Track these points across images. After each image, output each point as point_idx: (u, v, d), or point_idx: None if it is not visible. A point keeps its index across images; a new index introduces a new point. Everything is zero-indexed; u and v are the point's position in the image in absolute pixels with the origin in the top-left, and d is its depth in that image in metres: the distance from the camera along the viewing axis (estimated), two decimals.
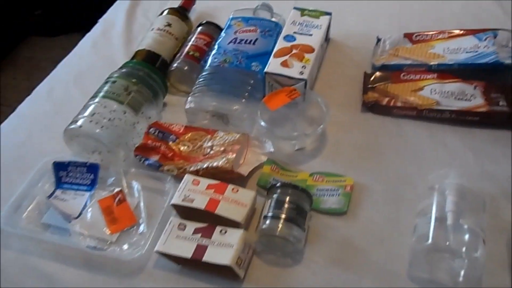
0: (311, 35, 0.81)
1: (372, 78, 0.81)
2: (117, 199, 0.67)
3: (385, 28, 0.91)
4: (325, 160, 0.72)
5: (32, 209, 0.68)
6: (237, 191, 0.64)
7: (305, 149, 0.73)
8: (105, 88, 0.73)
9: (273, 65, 0.76)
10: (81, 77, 0.91)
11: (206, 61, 0.83)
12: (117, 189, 0.68)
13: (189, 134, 0.75)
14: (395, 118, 0.76)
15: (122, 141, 0.70)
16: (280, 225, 0.59)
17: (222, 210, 0.62)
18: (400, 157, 0.71)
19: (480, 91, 0.74)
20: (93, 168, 0.70)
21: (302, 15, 0.85)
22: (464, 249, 0.55)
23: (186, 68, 0.82)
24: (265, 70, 0.76)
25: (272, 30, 0.84)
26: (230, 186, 0.64)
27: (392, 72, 0.81)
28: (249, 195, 0.64)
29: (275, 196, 0.62)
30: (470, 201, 0.60)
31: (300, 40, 0.80)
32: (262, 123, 0.71)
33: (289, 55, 0.78)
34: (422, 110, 0.74)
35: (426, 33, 0.84)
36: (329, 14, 0.85)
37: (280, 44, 0.80)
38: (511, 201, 0.64)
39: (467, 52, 0.78)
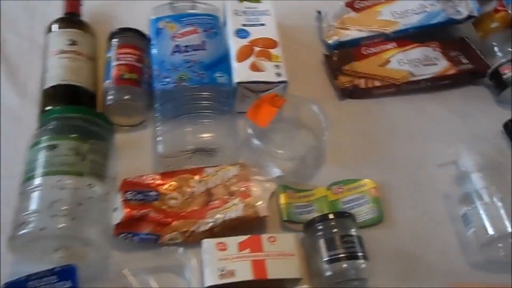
0: (263, 24, 0.69)
1: (335, 60, 0.74)
2: None
3: None
4: (330, 166, 0.65)
5: None
6: (275, 240, 0.53)
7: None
8: (44, 159, 0.52)
9: (242, 72, 0.64)
10: None
11: (149, 83, 0.65)
12: None
13: (172, 183, 0.59)
14: (374, 99, 0.72)
15: (104, 224, 0.52)
16: (345, 265, 0.51)
17: (274, 272, 0.51)
18: (399, 140, 0.68)
19: (440, 52, 0.74)
20: (67, 273, 0.50)
21: (241, 1, 0.72)
22: None
23: (127, 97, 0.63)
24: (237, 80, 0.63)
25: (215, 26, 0.69)
26: (265, 237, 0.53)
27: (352, 48, 0.75)
28: (289, 240, 0.54)
29: (321, 233, 0.53)
30: (491, 171, 0.61)
31: (255, 33, 0.68)
32: (258, 144, 0.60)
33: (254, 55, 0.65)
34: (400, 85, 0.71)
35: None
36: None
37: (235, 43, 0.67)
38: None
39: (416, 14, 0.76)
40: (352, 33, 0.76)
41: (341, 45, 0.76)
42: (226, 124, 0.62)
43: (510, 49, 0.73)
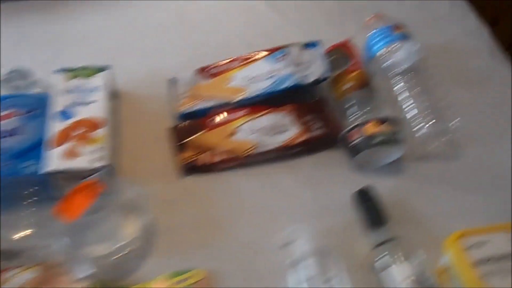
0: (91, 103, 0.65)
1: (180, 132, 0.70)
2: None
3: (177, 64, 0.79)
4: (161, 255, 0.59)
5: None
6: None
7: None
8: None
9: (54, 160, 0.59)
10: None
11: None
12: None
13: None
14: (220, 173, 0.67)
15: None
16: None
17: None
18: (241, 219, 0.63)
19: (293, 116, 0.71)
20: None
21: (71, 78, 0.67)
22: None
23: None
24: (47, 169, 0.58)
25: (40, 106, 0.64)
26: None
27: (200, 119, 0.71)
28: None
29: None
30: (328, 253, 0.57)
31: (80, 114, 0.63)
32: (67, 241, 0.54)
33: (72, 139, 0.60)
34: (245, 158, 0.67)
35: (219, 64, 0.76)
36: (105, 69, 0.69)
37: (54, 126, 0.62)
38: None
39: (266, 80, 0.73)
40: (201, 102, 0.72)
41: (190, 116, 0.72)
42: (33, 219, 0.56)
43: (363, 111, 0.71)
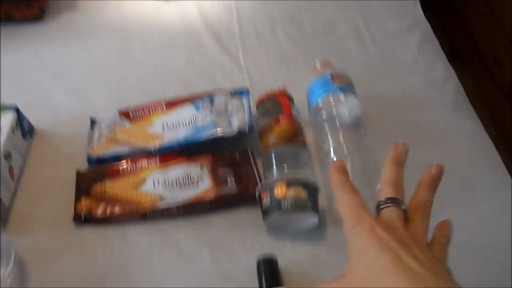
0: None
1: (84, 178, 0.66)
2: None
3: (109, 104, 0.76)
4: None
5: None
6: None
7: None
8: None
9: None
10: None
11: None
12: None
13: None
14: (118, 226, 0.63)
15: None
16: None
17: None
18: (129, 279, 0.58)
19: (208, 169, 0.66)
20: None
21: None
22: None
23: None
24: None
25: None
26: None
27: (110, 165, 0.67)
28: None
29: None
30: None
31: None
32: None
33: None
34: (145, 213, 0.62)
35: (144, 107, 0.72)
36: (13, 109, 0.67)
37: None
38: None
39: (186, 127, 0.68)
40: (116, 147, 0.69)
41: (101, 160, 0.68)
42: None
43: (284, 169, 0.65)
